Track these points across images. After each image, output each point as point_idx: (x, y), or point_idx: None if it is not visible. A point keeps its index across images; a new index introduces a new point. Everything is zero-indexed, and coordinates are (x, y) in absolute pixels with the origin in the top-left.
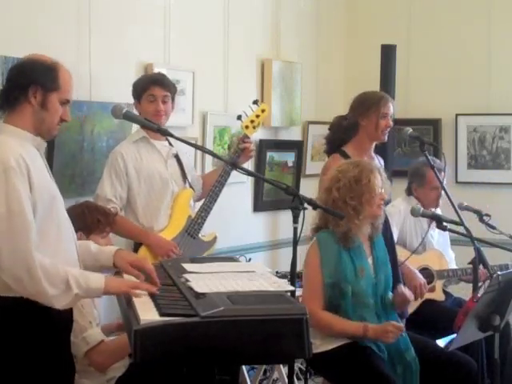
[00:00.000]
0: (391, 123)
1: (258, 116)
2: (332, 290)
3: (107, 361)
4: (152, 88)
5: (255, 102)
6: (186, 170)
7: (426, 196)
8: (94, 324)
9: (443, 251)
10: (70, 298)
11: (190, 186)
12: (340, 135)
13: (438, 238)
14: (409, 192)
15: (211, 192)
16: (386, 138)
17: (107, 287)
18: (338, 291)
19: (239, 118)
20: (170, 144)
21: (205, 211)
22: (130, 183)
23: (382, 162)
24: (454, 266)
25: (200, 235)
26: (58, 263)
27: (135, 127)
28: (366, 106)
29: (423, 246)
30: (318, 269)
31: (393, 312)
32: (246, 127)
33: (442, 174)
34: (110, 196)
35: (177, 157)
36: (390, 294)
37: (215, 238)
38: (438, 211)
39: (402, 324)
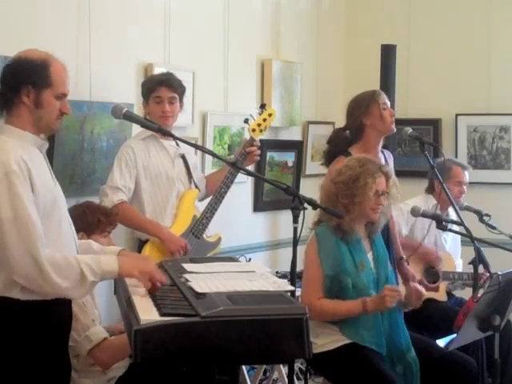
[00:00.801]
0: (393, 112)
1: (265, 120)
2: (331, 282)
3: (111, 358)
4: (158, 89)
5: (262, 107)
6: (192, 170)
7: (449, 191)
8: (96, 322)
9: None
10: (86, 286)
11: (196, 187)
12: (340, 147)
13: (451, 245)
14: (430, 190)
15: (217, 193)
16: (394, 127)
17: (121, 269)
18: (338, 284)
19: (246, 121)
20: (177, 144)
21: (210, 212)
22: (137, 178)
23: (391, 157)
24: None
25: (204, 236)
26: (69, 255)
27: (136, 126)
28: (364, 104)
29: (435, 247)
30: (317, 261)
31: (396, 311)
32: (253, 130)
33: (466, 172)
34: (119, 185)
35: (183, 157)
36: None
37: (219, 238)
38: (452, 214)
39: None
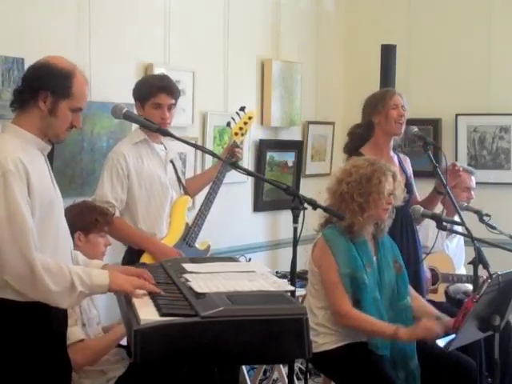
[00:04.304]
0: (403, 113)
1: (245, 123)
2: (351, 281)
3: (83, 360)
4: (159, 96)
5: (242, 109)
6: (180, 175)
7: (457, 196)
8: (79, 323)
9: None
10: (74, 296)
11: (186, 192)
12: (356, 143)
13: (455, 253)
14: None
15: (206, 199)
16: (402, 130)
17: (111, 284)
18: (356, 283)
19: (228, 124)
20: (165, 148)
21: (201, 219)
22: (130, 186)
23: (408, 161)
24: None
25: (196, 244)
26: (61, 262)
27: (135, 127)
28: (374, 103)
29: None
30: (334, 263)
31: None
32: (235, 134)
33: (472, 177)
34: (110, 198)
35: (172, 162)
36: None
37: (209, 246)
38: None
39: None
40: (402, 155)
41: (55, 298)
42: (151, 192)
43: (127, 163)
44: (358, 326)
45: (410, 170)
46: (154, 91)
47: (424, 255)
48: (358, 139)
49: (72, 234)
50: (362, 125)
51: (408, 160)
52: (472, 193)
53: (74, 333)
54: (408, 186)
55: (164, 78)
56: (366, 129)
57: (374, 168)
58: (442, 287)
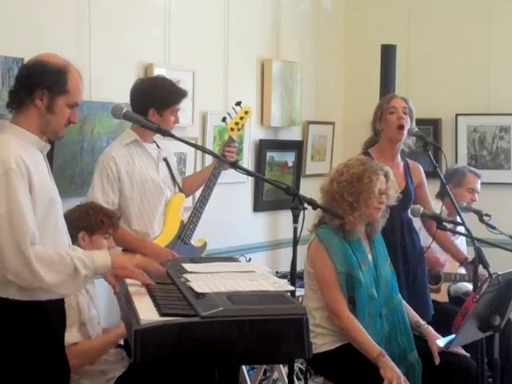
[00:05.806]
0: (402, 115)
1: (242, 118)
2: (346, 279)
3: (78, 363)
4: (180, 102)
5: (238, 104)
6: (175, 173)
7: (461, 197)
8: (76, 324)
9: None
10: (78, 281)
11: (180, 190)
12: (367, 145)
13: None
14: (442, 195)
15: (201, 197)
16: (402, 135)
17: (114, 263)
18: (352, 282)
19: (224, 119)
20: (158, 146)
21: (196, 216)
22: (122, 188)
23: (420, 169)
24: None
25: (192, 241)
26: (62, 250)
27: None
28: (375, 110)
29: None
30: (329, 262)
31: (398, 310)
32: (231, 129)
33: (479, 180)
34: (101, 201)
35: (165, 160)
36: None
37: (205, 243)
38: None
39: None
40: (412, 163)
41: (58, 289)
42: (144, 192)
43: (117, 165)
44: (348, 330)
45: (417, 178)
46: (180, 98)
47: (426, 255)
48: (369, 143)
49: (76, 233)
50: (372, 131)
51: (420, 169)
52: (476, 195)
53: (69, 336)
54: (406, 193)
55: (177, 84)
56: (374, 135)
57: (365, 167)
58: (444, 287)
